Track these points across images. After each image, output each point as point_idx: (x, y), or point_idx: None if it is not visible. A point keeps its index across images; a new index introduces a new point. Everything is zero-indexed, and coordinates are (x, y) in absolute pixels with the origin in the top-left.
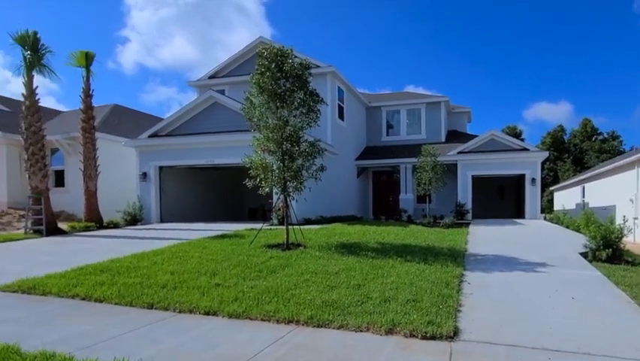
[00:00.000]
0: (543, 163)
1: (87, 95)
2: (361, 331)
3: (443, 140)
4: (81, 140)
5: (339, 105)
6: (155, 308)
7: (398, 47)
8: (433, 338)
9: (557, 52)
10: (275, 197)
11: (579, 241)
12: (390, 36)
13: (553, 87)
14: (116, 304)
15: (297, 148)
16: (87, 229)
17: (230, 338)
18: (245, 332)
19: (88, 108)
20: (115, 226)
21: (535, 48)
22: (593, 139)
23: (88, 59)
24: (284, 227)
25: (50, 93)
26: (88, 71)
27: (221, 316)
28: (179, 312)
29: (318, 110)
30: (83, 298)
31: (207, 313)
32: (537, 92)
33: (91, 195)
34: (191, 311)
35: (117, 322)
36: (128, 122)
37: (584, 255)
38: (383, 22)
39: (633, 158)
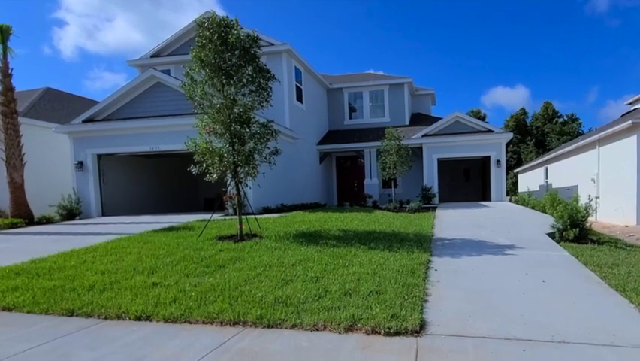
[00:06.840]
0: (507, 146)
1: (5, 74)
2: (317, 330)
3: (407, 123)
4: (1, 126)
5: (297, 87)
6: (77, 315)
7: (357, 35)
8: (397, 333)
9: (512, 36)
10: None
11: (545, 221)
12: (349, 23)
13: (509, 71)
14: (28, 312)
15: (247, 130)
16: (13, 225)
17: (160, 348)
18: (180, 339)
19: (7, 90)
20: (48, 221)
21: (490, 32)
22: (554, 122)
23: (3, 34)
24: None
25: None
26: (5, 47)
27: (156, 321)
28: (105, 318)
29: (270, 88)
30: None
31: (139, 319)
32: (494, 76)
33: (17, 188)
34: (119, 317)
35: (25, 334)
36: (62, 107)
37: (552, 235)
38: (341, 9)
39: (594, 137)
